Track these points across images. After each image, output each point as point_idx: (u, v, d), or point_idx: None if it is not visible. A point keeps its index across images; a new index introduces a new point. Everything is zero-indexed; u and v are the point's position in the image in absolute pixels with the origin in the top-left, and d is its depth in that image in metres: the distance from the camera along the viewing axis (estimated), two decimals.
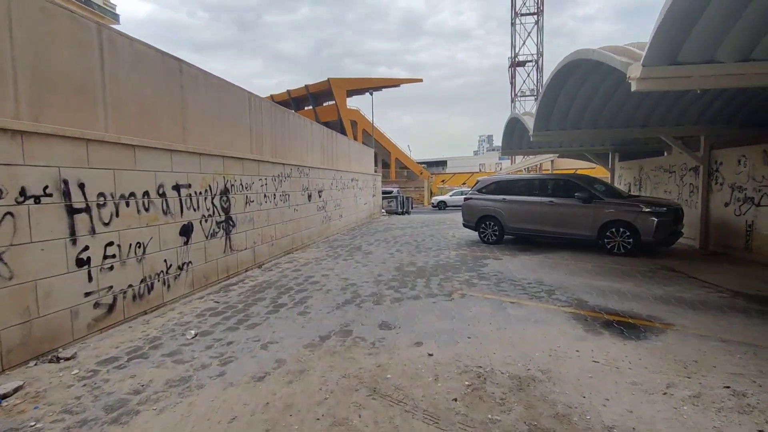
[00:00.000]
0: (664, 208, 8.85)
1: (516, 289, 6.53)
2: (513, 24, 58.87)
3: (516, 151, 15.51)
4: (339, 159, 15.94)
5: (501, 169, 76.88)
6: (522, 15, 58.09)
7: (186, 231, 6.34)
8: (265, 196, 9.10)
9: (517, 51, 58.84)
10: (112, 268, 4.94)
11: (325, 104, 53.81)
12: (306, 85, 54.47)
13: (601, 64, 5.85)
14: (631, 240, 9.00)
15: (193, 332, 4.68)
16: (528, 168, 28.34)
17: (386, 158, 58.14)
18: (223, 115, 7.77)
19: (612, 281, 6.90)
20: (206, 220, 6.89)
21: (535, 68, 59.04)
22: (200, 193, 6.74)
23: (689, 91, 8.56)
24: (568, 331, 4.66)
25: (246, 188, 8.26)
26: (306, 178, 11.76)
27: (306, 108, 52.19)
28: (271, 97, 45.95)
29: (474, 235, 12.71)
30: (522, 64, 59.72)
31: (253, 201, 8.54)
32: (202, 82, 7.24)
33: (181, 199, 6.24)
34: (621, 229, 9.09)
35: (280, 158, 10.18)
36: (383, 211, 25.73)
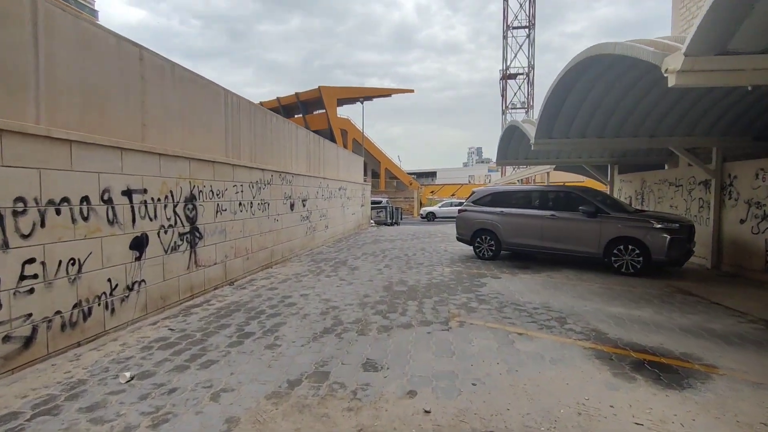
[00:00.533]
0: (677, 225, 8.15)
1: (522, 315, 5.70)
2: (505, 37, 59.11)
3: (512, 161, 14.83)
4: (326, 166, 15.09)
5: (490, 181, 76.82)
6: (514, 28, 58.40)
7: (139, 244, 5.40)
8: (240, 204, 8.19)
9: (508, 64, 59.01)
10: (32, 291, 3.98)
11: (315, 112, 53.10)
12: (296, 93, 53.78)
13: (624, 59, 5.16)
14: (640, 259, 8.26)
15: (128, 374, 3.73)
16: (521, 180, 27.73)
17: (376, 168, 57.51)
18: (193, 112, 6.88)
19: (628, 307, 6.11)
20: (166, 232, 5.95)
21: (526, 81, 59.30)
22: (159, 199, 5.81)
23: (702, 98, 7.94)
24: (594, 375, 3.83)
25: (218, 195, 7.35)
26: (289, 186, 10.86)
27: (296, 116, 51.39)
28: (261, 104, 45.07)
29: (468, 249, 11.90)
30: (513, 76, 59.87)
31: (225, 209, 7.62)
32: (169, 74, 6.36)
33: (133, 207, 5.31)
34: (630, 247, 8.36)
35: (259, 163, 9.29)
36: (372, 221, 24.88)
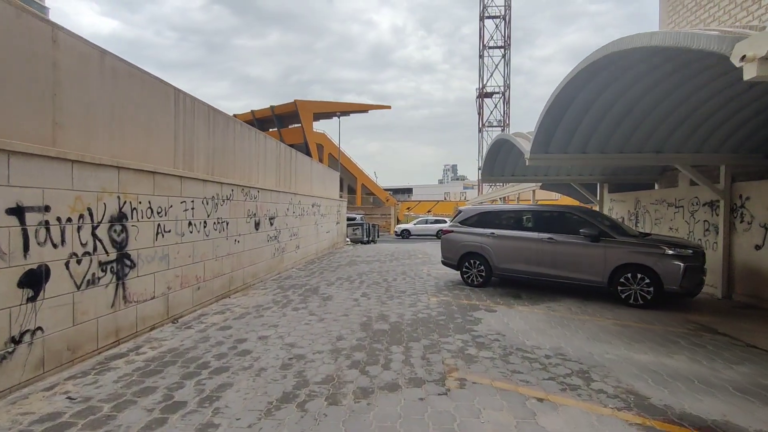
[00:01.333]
0: (690, 251, 7.29)
1: (534, 368, 4.57)
2: (481, 56, 59.72)
3: (498, 177, 13.96)
4: (299, 181, 13.84)
5: (466, 198, 76.95)
6: (490, 48, 59.12)
7: (34, 280, 4.02)
8: (190, 224, 6.85)
9: (485, 82, 59.52)
10: None
11: (290, 126, 51.85)
12: (271, 106, 52.55)
13: (658, 53, 4.26)
14: (651, 289, 7.33)
15: None
16: (503, 198, 27.02)
17: (352, 183, 56.47)
18: (130, 113, 5.59)
19: (657, 353, 5.08)
20: (80, 261, 4.59)
21: (502, 100, 59.89)
22: (70, 219, 4.46)
23: (716, 112, 7.18)
24: None
25: (159, 213, 6.01)
26: (254, 202, 9.56)
27: (271, 130, 50.05)
28: (234, 116, 43.57)
29: (454, 274, 10.82)
30: (490, 95, 60.39)
31: (170, 231, 6.27)
32: (97, 64, 5.08)
33: (26, 230, 3.96)
34: (639, 275, 7.43)
35: (218, 176, 7.99)
36: (348, 239, 23.61)
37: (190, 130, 7.09)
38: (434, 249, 20.09)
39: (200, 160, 7.43)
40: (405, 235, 32.63)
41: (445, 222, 34.14)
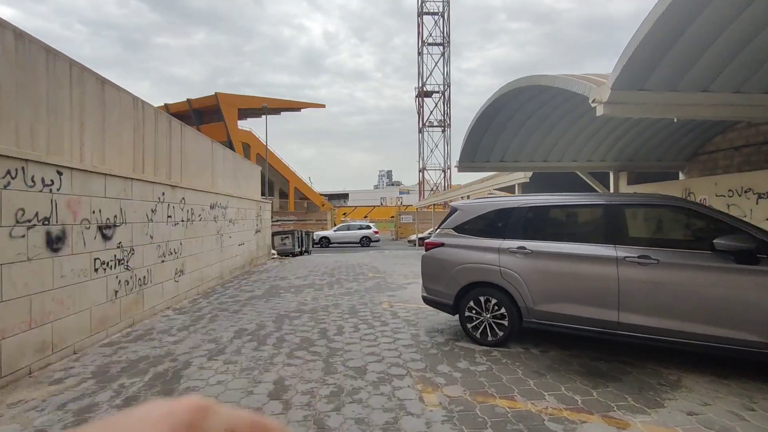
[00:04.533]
0: None
1: None
2: (420, 53, 56.85)
3: (482, 164, 9.89)
4: (188, 168, 8.85)
5: (402, 203, 73.87)
6: (429, 45, 56.49)
7: None
8: None
9: (424, 80, 56.74)
10: None
11: (212, 123, 45.48)
12: (188, 99, 45.73)
13: None
14: None
15: None
16: (463, 197, 22.48)
17: (284, 187, 50.87)
18: None
19: None
20: None
21: (441, 99, 57.44)
22: None
23: None
24: None
25: None
26: (45, 194, 4.59)
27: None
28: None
29: (437, 314, 6.52)
30: (429, 94, 57.66)
31: None
32: None
33: None
34: None
35: None
36: (274, 252, 18.56)
37: None
38: (379, 261, 15.74)
39: None
40: (324, 243, 27.94)
41: (369, 227, 30.04)
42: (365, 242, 28.53)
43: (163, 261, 7.47)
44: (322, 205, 53.08)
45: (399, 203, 75.88)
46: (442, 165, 57.47)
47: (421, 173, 57.64)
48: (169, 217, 7.75)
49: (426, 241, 5.89)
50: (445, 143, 57.28)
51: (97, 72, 5.83)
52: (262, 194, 19.79)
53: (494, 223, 5.37)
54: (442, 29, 56.16)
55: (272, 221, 21.27)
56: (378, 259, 17.16)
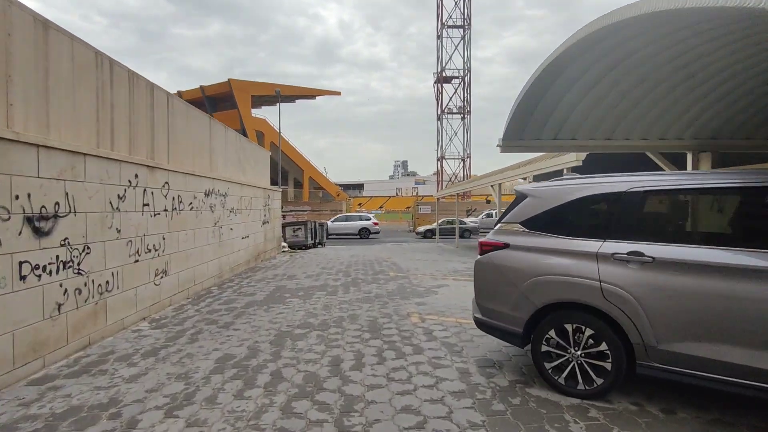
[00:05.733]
0: None
1: None
2: (439, 36, 54.47)
3: (530, 143, 8.03)
4: (178, 149, 7.29)
5: (417, 193, 71.61)
6: (449, 27, 53.94)
7: None
8: None
9: (444, 65, 54.29)
10: None
11: (225, 111, 44.44)
12: (201, 86, 44.87)
13: None
14: None
15: None
16: (459, 193, 19.98)
17: (299, 177, 49.56)
18: None
19: None
20: None
21: (461, 85, 54.96)
22: None
23: None
24: None
25: None
26: None
27: None
28: None
29: (488, 336, 4.83)
30: (449, 80, 55.24)
31: None
32: None
33: None
34: None
35: None
36: (284, 245, 17.08)
37: None
38: (399, 257, 14.06)
39: None
40: None
41: (368, 219, 27.92)
42: (364, 234, 26.79)
43: (136, 261, 5.94)
44: (337, 195, 51.60)
45: (415, 193, 73.89)
46: (461, 154, 55.25)
47: (439, 162, 55.54)
48: (146, 205, 6.21)
49: (481, 240, 4.17)
50: (464, 131, 54.98)
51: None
52: (275, 183, 18.29)
53: (589, 216, 3.64)
54: (462, 10, 53.48)
55: (283, 211, 19.80)
56: (397, 253, 15.51)
